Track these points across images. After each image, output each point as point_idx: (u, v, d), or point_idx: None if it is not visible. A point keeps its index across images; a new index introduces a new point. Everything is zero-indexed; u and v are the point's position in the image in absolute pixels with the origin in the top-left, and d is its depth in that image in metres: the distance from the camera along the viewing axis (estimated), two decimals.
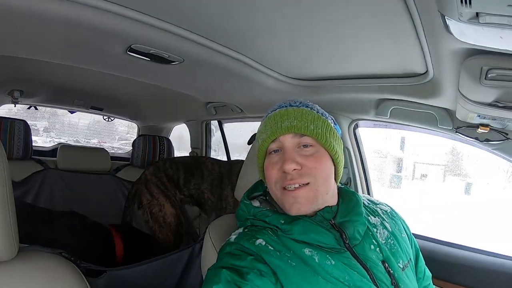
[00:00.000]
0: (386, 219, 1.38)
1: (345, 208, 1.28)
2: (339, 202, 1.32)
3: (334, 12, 1.28)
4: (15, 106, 3.79)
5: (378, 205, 1.46)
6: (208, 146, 4.02)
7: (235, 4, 1.31)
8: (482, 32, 0.93)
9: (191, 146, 4.11)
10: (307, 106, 1.30)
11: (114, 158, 3.93)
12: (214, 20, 1.48)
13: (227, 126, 3.94)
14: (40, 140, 6.28)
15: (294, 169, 1.19)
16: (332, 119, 1.34)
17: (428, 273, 1.45)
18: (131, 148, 4.24)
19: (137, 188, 3.08)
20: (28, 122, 3.19)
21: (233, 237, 1.28)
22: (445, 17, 0.93)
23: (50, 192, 3.28)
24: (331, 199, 1.29)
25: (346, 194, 1.36)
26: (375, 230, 1.31)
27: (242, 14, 1.39)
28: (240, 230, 1.33)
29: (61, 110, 4.93)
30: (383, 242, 1.28)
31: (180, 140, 4.27)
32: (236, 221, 1.41)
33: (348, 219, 1.25)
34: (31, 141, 3.23)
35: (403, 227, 1.43)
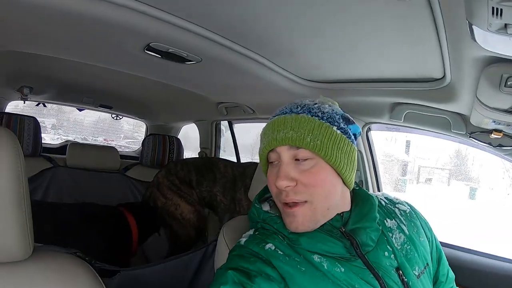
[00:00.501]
0: (403, 221, 1.31)
1: (358, 214, 1.22)
2: (352, 207, 1.25)
3: (354, 14, 1.28)
4: (24, 102, 3.81)
5: (397, 205, 1.38)
6: (217, 147, 4.02)
7: (255, 5, 1.31)
8: (508, 42, 0.94)
9: (200, 146, 4.12)
10: (309, 111, 1.18)
11: (123, 156, 3.93)
12: (233, 20, 1.48)
13: (235, 126, 3.94)
14: (48, 137, 6.30)
15: (289, 186, 1.13)
16: (345, 119, 1.21)
17: (452, 274, 1.38)
18: (138, 146, 4.23)
19: (151, 191, 3.12)
20: (40, 120, 3.19)
21: (243, 240, 1.26)
22: (472, 25, 0.94)
23: (59, 189, 3.28)
24: (343, 205, 1.23)
25: (361, 198, 1.28)
26: (390, 234, 1.24)
27: (262, 15, 1.39)
28: (251, 232, 1.31)
29: (68, 107, 4.91)
30: (399, 247, 1.22)
31: (186, 140, 4.26)
32: (248, 222, 1.40)
33: (361, 225, 1.19)
34: (40, 138, 3.23)
35: (423, 228, 1.34)
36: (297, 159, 1.15)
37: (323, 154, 1.12)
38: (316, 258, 1.14)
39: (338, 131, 1.16)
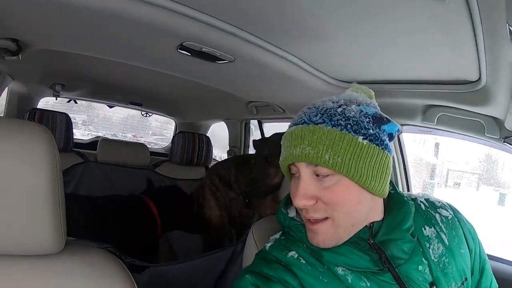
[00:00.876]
0: (444, 229, 1.17)
1: (390, 224, 1.11)
2: (385, 216, 1.14)
3: (390, 15, 1.25)
4: (56, 99, 3.90)
5: (438, 209, 1.23)
6: (246, 146, 4.03)
7: (289, 4, 1.30)
8: None
9: (229, 145, 4.14)
10: (331, 120, 1.03)
11: (152, 153, 3.98)
12: (267, 19, 1.47)
13: (265, 126, 3.93)
14: (79, 133, 6.41)
15: (307, 205, 1.05)
16: (377, 121, 1.06)
17: (495, 285, 1.25)
18: (166, 143, 4.26)
19: (197, 193, 3.19)
20: (71, 116, 3.28)
21: (268, 244, 1.23)
22: None
23: (90, 184, 3.35)
24: (373, 215, 1.12)
25: (395, 204, 1.16)
26: (427, 245, 1.13)
27: (297, 14, 1.38)
28: (277, 236, 1.26)
29: (98, 104, 5.05)
30: (436, 260, 1.11)
31: (213, 137, 4.27)
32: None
33: (391, 237, 1.08)
34: (72, 134, 3.33)
35: (466, 238, 1.20)
36: (317, 175, 1.05)
37: (344, 172, 1.00)
38: (340, 270, 1.08)
39: (365, 142, 1.02)
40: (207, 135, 4.43)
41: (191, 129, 4.46)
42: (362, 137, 1.02)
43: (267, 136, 2.53)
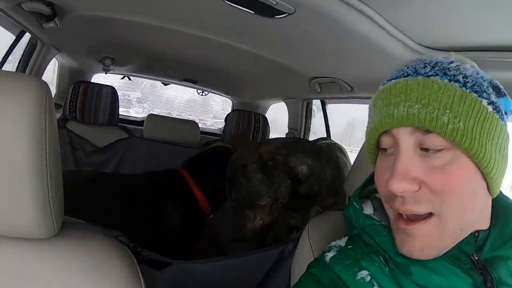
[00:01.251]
0: None
1: (499, 236, 0.80)
2: (491, 224, 0.82)
3: None
4: (106, 73, 3.88)
5: None
6: (307, 129, 3.72)
7: None
8: None
9: (288, 127, 3.87)
10: (445, 74, 0.73)
11: (205, 133, 3.91)
12: None
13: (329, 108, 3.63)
14: (133, 111, 6.56)
15: (408, 191, 0.73)
16: (496, 89, 0.76)
17: None
18: (223, 125, 4.14)
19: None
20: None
21: (329, 254, 0.91)
22: None
23: (134, 160, 3.31)
24: (481, 222, 0.81)
25: (504, 210, 0.84)
26: None
27: None
28: (343, 242, 0.95)
29: (157, 83, 5.06)
30: None
31: (274, 123, 4.12)
32: (342, 220, 1.03)
33: (501, 254, 0.78)
34: (117, 107, 3.35)
35: None
36: (424, 149, 0.74)
37: (467, 144, 0.69)
38: None
39: (490, 108, 0.72)
40: (269, 118, 4.26)
41: (248, 109, 4.29)
42: (486, 101, 0.72)
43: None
